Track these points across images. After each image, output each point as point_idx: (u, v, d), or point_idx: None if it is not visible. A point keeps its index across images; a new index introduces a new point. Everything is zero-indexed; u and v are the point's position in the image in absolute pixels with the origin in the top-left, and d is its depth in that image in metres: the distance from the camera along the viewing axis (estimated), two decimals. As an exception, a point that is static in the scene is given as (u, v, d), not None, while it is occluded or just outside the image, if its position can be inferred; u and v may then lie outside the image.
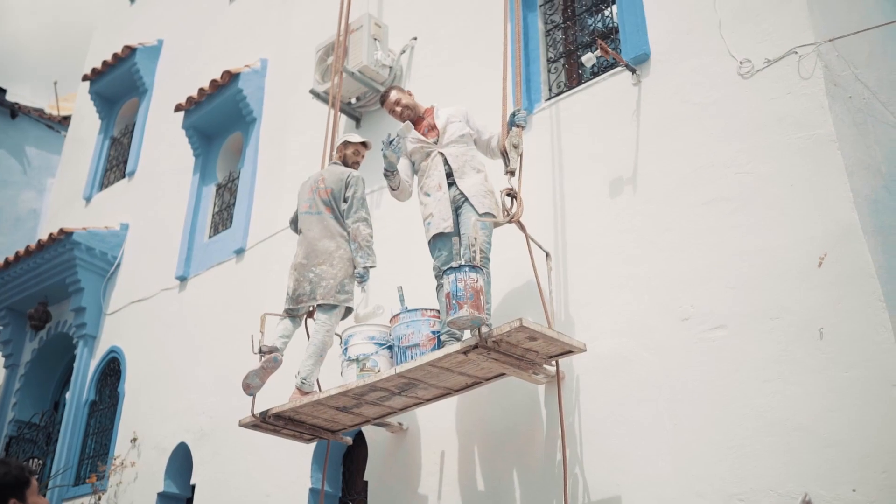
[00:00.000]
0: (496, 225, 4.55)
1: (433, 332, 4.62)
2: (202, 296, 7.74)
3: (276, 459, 6.10)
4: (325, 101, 6.63)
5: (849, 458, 3.52)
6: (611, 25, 5.56)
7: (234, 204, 8.02)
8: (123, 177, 9.92)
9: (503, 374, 4.51)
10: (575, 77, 5.62)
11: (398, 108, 5.02)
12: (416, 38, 6.69)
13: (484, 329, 4.02)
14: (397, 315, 4.76)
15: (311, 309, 5.12)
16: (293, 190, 6.33)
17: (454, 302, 3.91)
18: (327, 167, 5.56)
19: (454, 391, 4.72)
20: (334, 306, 4.96)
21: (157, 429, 7.38)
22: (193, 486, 6.84)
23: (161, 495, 7.05)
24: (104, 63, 10.36)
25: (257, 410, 5.05)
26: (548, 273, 4.65)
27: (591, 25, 5.75)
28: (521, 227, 4.50)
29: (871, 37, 4.66)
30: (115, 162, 10.44)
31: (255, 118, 8.11)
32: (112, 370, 8.50)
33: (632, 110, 4.93)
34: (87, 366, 8.62)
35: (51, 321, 9.41)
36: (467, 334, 4.38)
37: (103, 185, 10.31)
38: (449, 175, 4.70)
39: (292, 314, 5.13)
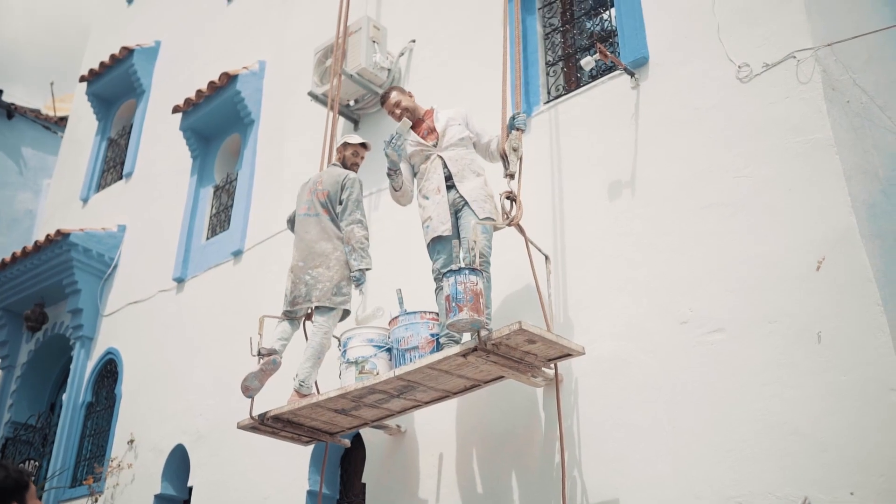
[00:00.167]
0: (496, 229, 4.56)
1: (432, 335, 4.62)
2: (200, 298, 7.73)
3: (274, 461, 6.09)
4: (324, 103, 6.64)
5: (847, 462, 3.54)
6: (609, 29, 5.57)
7: (231, 206, 8.02)
8: (120, 178, 9.91)
9: (502, 377, 4.51)
10: (573, 80, 5.63)
11: (397, 111, 5.02)
12: (414, 41, 6.70)
13: (483, 332, 4.03)
14: (396, 318, 4.76)
15: (308, 311, 5.12)
16: (291, 192, 6.33)
17: (454, 304, 3.92)
18: (326, 169, 5.56)
19: (453, 394, 4.73)
20: (331, 309, 4.96)
21: (154, 430, 7.37)
22: (191, 489, 6.83)
23: (158, 497, 7.04)
24: (101, 64, 10.35)
25: (256, 412, 5.05)
26: (547, 276, 4.66)
27: (589, 29, 5.76)
28: (521, 231, 4.51)
29: (868, 41, 4.68)
30: (113, 163, 10.42)
31: (253, 120, 8.11)
32: (109, 372, 8.49)
33: (630, 114, 4.94)
34: (84, 367, 8.60)
35: (47, 322, 9.39)
36: (466, 337, 4.39)
37: (100, 186, 10.30)
38: (448, 178, 4.70)
39: (290, 316, 5.13)
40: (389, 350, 4.77)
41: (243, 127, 8.23)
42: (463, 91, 5.96)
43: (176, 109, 8.53)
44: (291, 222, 5.48)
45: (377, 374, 4.64)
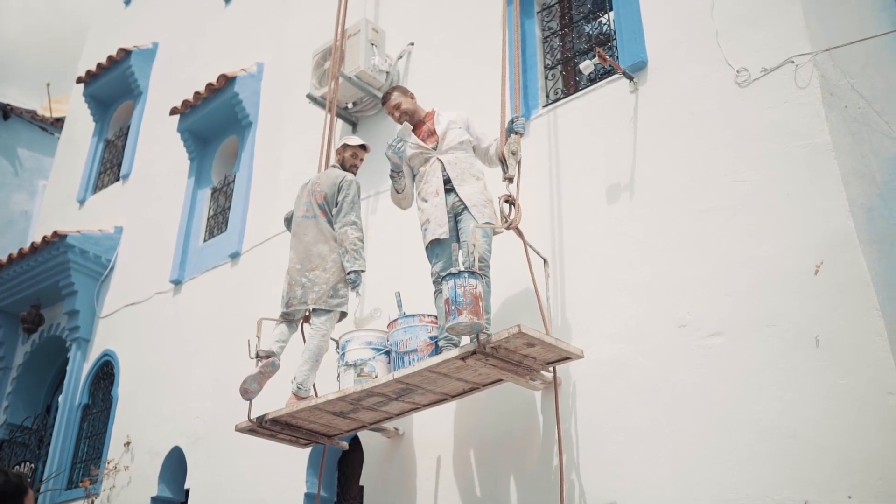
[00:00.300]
0: (495, 233, 4.57)
1: (431, 338, 4.63)
2: (197, 300, 7.73)
3: (272, 464, 6.09)
4: (322, 105, 6.64)
5: (845, 465, 3.55)
6: (608, 32, 5.59)
7: (229, 208, 8.01)
8: (117, 179, 9.89)
9: (500, 380, 4.52)
10: (572, 84, 5.64)
11: (396, 113, 5.03)
12: (412, 44, 6.71)
13: (482, 335, 4.04)
14: (395, 320, 4.77)
15: (306, 314, 5.13)
16: (289, 194, 6.33)
17: (453, 308, 3.93)
18: (324, 171, 5.57)
19: (451, 396, 4.73)
20: (329, 311, 4.96)
21: (150, 433, 7.36)
22: (187, 491, 6.82)
23: (155, 499, 7.03)
24: (99, 65, 10.33)
25: (254, 415, 5.05)
26: (545, 279, 4.67)
27: (588, 33, 5.78)
28: (520, 234, 4.51)
29: (865, 47, 4.71)
30: (110, 164, 10.41)
31: (251, 122, 8.11)
32: (105, 374, 8.47)
33: (629, 117, 4.96)
34: (81, 369, 8.58)
35: (44, 324, 9.37)
36: (465, 340, 4.39)
37: (97, 187, 10.29)
38: (447, 182, 4.70)
39: (288, 319, 5.13)
40: (388, 353, 4.78)
41: (241, 129, 8.23)
42: (461, 94, 5.96)
43: (174, 111, 8.52)
44: (288, 221, 5.49)
45: (376, 376, 4.64)
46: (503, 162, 4.59)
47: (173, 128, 8.74)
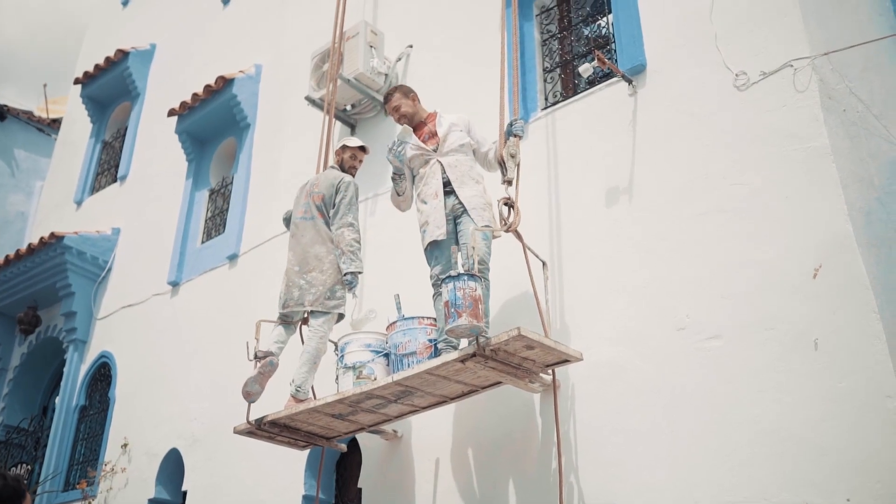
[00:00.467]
0: (494, 237, 4.57)
1: (430, 340, 4.63)
2: (195, 301, 7.72)
3: (270, 466, 6.09)
4: (321, 107, 6.64)
5: (843, 468, 3.56)
6: (607, 35, 5.60)
7: (227, 209, 8.01)
8: (115, 181, 9.88)
9: (499, 383, 4.52)
10: (571, 87, 5.65)
11: (395, 115, 5.03)
12: (411, 46, 6.71)
13: (482, 338, 4.04)
14: (394, 323, 4.77)
15: (304, 316, 5.12)
16: (287, 196, 6.33)
17: (453, 310, 3.93)
18: (323, 172, 5.57)
19: (450, 399, 4.73)
20: (326, 313, 4.96)
21: (148, 434, 7.35)
22: (185, 493, 6.81)
23: (152, 501, 7.02)
24: (96, 67, 10.32)
25: (252, 417, 5.05)
26: (544, 282, 4.68)
27: (587, 36, 5.79)
28: (519, 237, 4.52)
29: (864, 51, 4.73)
30: (107, 166, 10.39)
31: (249, 124, 8.11)
32: (102, 375, 8.45)
33: (628, 121, 4.96)
34: (78, 370, 8.57)
35: (40, 325, 9.36)
36: (464, 342, 4.39)
37: (94, 188, 10.27)
38: (447, 184, 4.70)
39: (286, 321, 5.13)
40: (387, 355, 4.78)
41: (239, 131, 8.23)
42: (459, 97, 5.97)
43: (171, 113, 8.51)
44: (287, 220, 5.48)
45: (375, 379, 4.65)
46: (502, 165, 4.59)
47: (171, 129, 8.73)
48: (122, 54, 10.13)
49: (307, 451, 5.79)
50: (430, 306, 4.80)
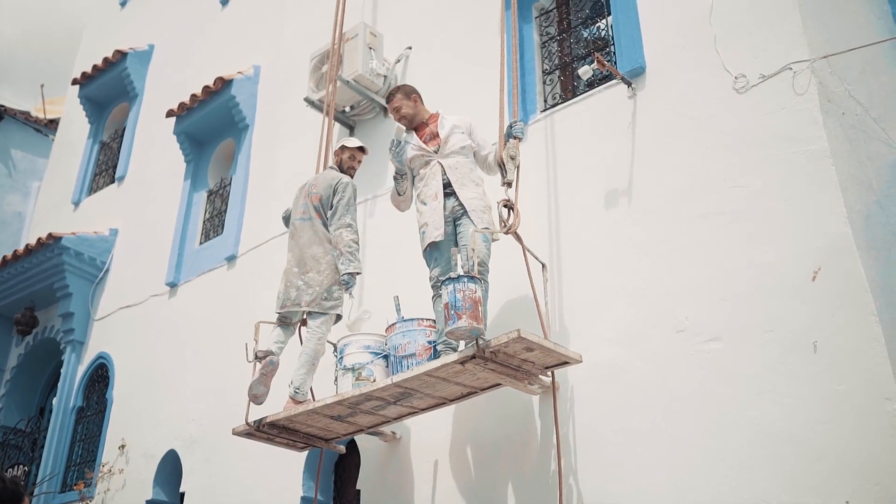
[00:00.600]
0: (494, 240, 4.58)
1: (429, 342, 4.63)
2: (193, 302, 7.71)
3: (268, 467, 6.08)
4: (320, 109, 6.64)
5: (842, 471, 3.57)
6: (606, 38, 5.61)
7: (225, 211, 8.00)
8: (113, 182, 9.86)
9: (499, 385, 4.53)
10: (570, 89, 5.66)
11: (396, 116, 5.04)
12: (410, 48, 6.72)
13: (481, 340, 4.04)
14: (393, 324, 4.78)
15: (303, 317, 5.12)
16: (285, 198, 6.33)
17: (453, 312, 3.93)
18: (322, 172, 5.57)
19: (449, 401, 4.74)
20: (324, 314, 4.96)
21: (146, 435, 7.34)
22: (182, 494, 6.80)
23: (150, 503, 7.00)
24: (94, 67, 10.30)
25: (251, 418, 5.04)
26: (544, 284, 4.68)
27: (586, 38, 5.80)
28: (518, 239, 4.52)
29: (862, 54, 4.74)
30: (105, 166, 10.38)
31: (248, 125, 8.10)
32: (100, 376, 8.44)
33: (627, 123, 4.97)
34: (75, 372, 8.55)
35: (38, 326, 9.33)
36: (463, 344, 4.40)
37: (92, 189, 10.26)
38: (447, 185, 4.70)
39: (285, 322, 5.13)
40: (386, 357, 4.78)
41: (238, 132, 8.22)
42: (458, 98, 5.97)
43: (170, 113, 8.51)
44: (286, 219, 5.48)
45: (374, 380, 4.65)
46: (502, 167, 4.60)
47: (169, 130, 8.72)
48: (121, 55, 10.12)
49: (306, 453, 5.78)
50: (429, 308, 4.80)
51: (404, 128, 4.95)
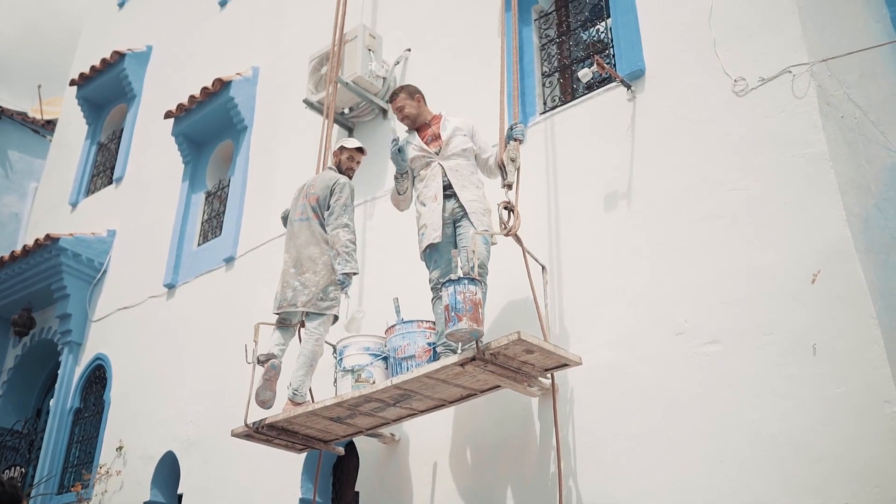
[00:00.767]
0: (493, 244, 4.58)
1: (428, 344, 4.64)
2: (191, 304, 7.71)
3: (266, 469, 6.08)
4: (319, 110, 6.65)
5: (841, 473, 3.58)
6: (606, 40, 5.62)
7: (223, 212, 8.00)
8: (110, 183, 9.85)
9: (498, 387, 4.53)
10: (569, 91, 5.67)
11: (399, 115, 5.04)
12: (409, 50, 6.72)
13: (481, 342, 4.04)
14: (393, 326, 4.77)
15: (302, 318, 5.12)
16: (284, 199, 6.33)
17: (453, 314, 3.93)
18: (320, 173, 5.57)
19: (449, 402, 4.74)
20: (321, 315, 4.96)
21: (143, 437, 7.33)
22: (180, 496, 6.79)
23: (147, 504, 7.01)
24: (92, 68, 10.29)
25: (250, 420, 5.04)
26: (543, 286, 4.68)
27: (585, 40, 5.81)
28: (518, 241, 4.53)
29: (861, 58, 4.76)
30: (102, 167, 10.37)
31: (246, 126, 8.10)
32: (97, 378, 8.42)
33: (626, 126, 4.98)
34: (72, 373, 8.53)
35: (35, 327, 9.31)
36: (460, 346, 4.39)
37: (90, 190, 10.24)
38: (447, 187, 4.71)
39: (284, 324, 5.12)
40: (386, 359, 4.78)
41: (236, 133, 8.22)
42: (457, 100, 5.97)
43: (168, 115, 8.50)
44: (285, 219, 5.48)
45: (373, 382, 4.65)
46: (502, 168, 4.60)
47: (167, 131, 8.72)
48: (119, 56, 10.11)
49: (304, 455, 5.78)
50: (428, 310, 4.80)
51: (396, 137, 4.95)
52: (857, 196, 4.15)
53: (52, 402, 8.50)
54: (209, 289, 7.58)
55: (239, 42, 8.89)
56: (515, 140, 4.63)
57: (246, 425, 5.04)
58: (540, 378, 4.50)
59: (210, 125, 8.38)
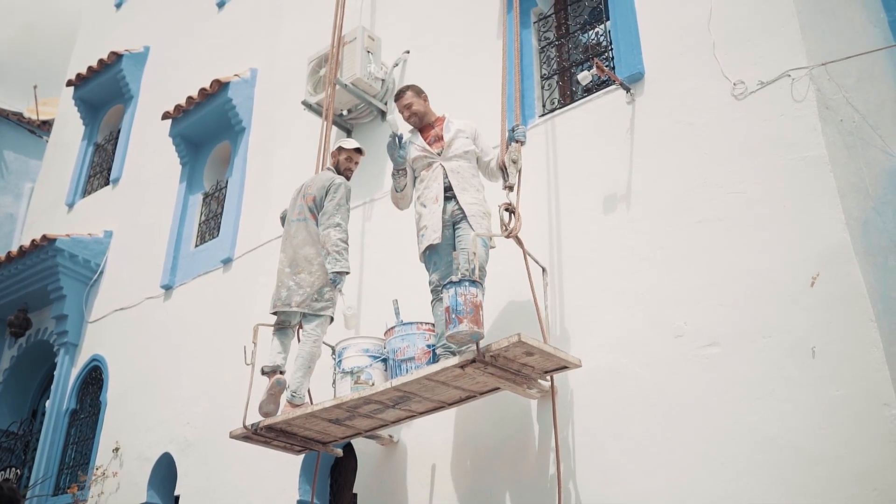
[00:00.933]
0: (491, 247, 4.59)
1: (428, 346, 4.63)
2: (188, 305, 7.69)
3: (263, 470, 6.06)
4: (318, 112, 6.65)
5: (840, 476, 3.59)
6: (605, 43, 5.63)
7: (221, 213, 7.98)
8: (107, 184, 9.82)
9: (498, 389, 4.53)
10: (568, 94, 5.68)
11: (406, 113, 5.03)
12: (408, 52, 6.73)
13: (481, 344, 4.05)
14: (392, 328, 4.77)
15: (300, 320, 5.12)
16: (282, 200, 6.33)
17: (454, 316, 3.93)
18: (318, 173, 5.57)
19: (448, 404, 4.74)
20: (318, 316, 4.96)
21: (140, 438, 7.31)
22: (177, 498, 6.78)
23: (144, 506, 6.99)
24: (89, 69, 10.27)
25: (248, 422, 5.03)
26: (544, 288, 4.69)
27: (584, 43, 5.82)
28: (519, 243, 4.53)
29: (859, 62, 4.78)
30: (99, 168, 10.34)
31: (244, 128, 8.09)
32: (94, 379, 8.40)
33: (625, 128, 4.99)
34: (69, 374, 8.51)
35: (31, 328, 9.28)
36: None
37: (86, 191, 10.22)
38: (448, 189, 4.71)
39: (282, 326, 5.12)
40: (385, 360, 4.77)
41: (234, 134, 8.21)
42: (456, 102, 5.96)
43: (166, 116, 8.48)
44: (283, 220, 5.48)
45: (373, 384, 4.64)
46: (504, 170, 4.61)
47: (164, 132, 8.70)
48: (116, 56, 10.09)
49: (302, 456, 5.77)
50: (428, 311, 4.80)
51: (397, 128, 4.92)
52: (855, 199, 4.16)
53: (47, 404, 8.47)
54: (206, 290, 7.57)
55: (237, 43, 8.88)
56: (517, 142, 4.64)
57: (244, 427, 5.03)
58: (539, 380, 4.50)
59: (208, 126, 8.37)
